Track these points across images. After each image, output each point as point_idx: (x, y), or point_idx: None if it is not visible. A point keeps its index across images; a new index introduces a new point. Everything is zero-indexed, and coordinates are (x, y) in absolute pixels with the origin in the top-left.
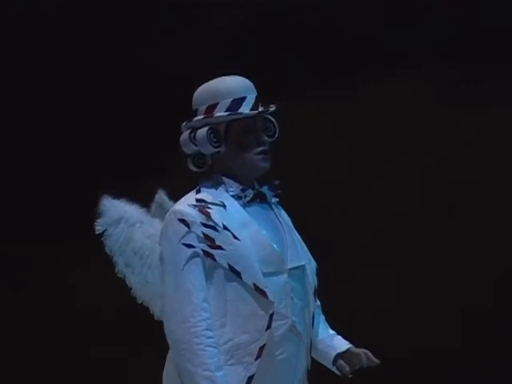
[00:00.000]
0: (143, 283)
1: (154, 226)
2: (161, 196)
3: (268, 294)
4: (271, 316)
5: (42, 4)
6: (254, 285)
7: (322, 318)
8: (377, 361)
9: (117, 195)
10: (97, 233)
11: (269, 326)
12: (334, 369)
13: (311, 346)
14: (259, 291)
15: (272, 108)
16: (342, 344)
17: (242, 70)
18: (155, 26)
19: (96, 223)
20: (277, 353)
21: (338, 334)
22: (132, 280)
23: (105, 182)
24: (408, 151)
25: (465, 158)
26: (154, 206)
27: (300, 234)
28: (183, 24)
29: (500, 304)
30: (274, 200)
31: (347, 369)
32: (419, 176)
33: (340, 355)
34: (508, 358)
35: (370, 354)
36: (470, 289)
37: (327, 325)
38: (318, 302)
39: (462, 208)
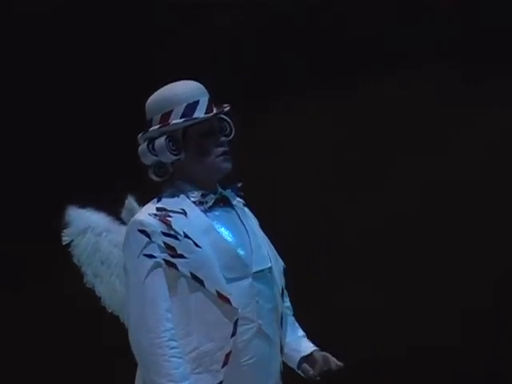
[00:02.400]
0: (112, 292)
1: (121, 233)
2: (130, 202)
3: (232, 300)
4: (236, 322)
5: (41, 4)
6: (217, 292)
7: (292, 319)
8: (340, 363)
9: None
10: (64, 243)
11: (234, 333)
12: (300, 372)
13: (282, 347)
14: (223, 298)
15: (226, 108)
16: (306, 347)
17: (242, 69)
18: (155, 26)
19: (63, 234)
20: (246, 358)
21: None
22: (101, 290)
23: (105, 181)
24: (408, 151)
25: (465, 158)
26: (124, 213)
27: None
28: (183, 24)
29: (500, 304)
30: (237, 202)
31: (311, 372)
32: (419, 176)
33: (304, 358)
34: (508, 357)
35: (331, 358)
36: (470, 289)
37: (297, 326)
38: (288, 304)
39: (462, 208)
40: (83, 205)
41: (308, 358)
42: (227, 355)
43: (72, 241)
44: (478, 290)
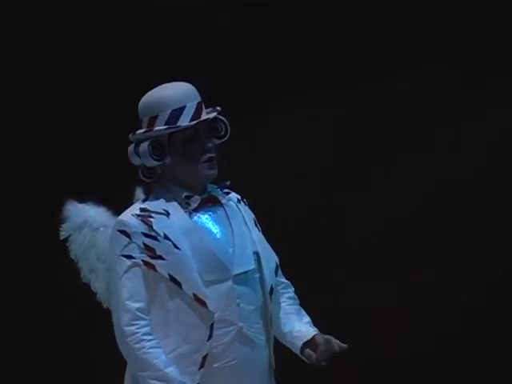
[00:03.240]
0: (107, 287)
1: None
2: (139, 192)
3: (208, 304)
4: (212, 326)
5: (41, 4)
6: (194, 295)
7: (296, 308)
8: (343, 345)
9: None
10: (61, 238)
11: (210, 336)
12: (304, 358)
13: (272, 345)
14: (199, 301)
15: (213, 114)
16: (307, 332)
17: (242, 70)
18: (155, 26)
19: (61, 228)
20: (226, 360)
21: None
22: (97, 285)
23: (105, 179)
24: (408, 151)
25: (465, 158)
26: (134, 202)
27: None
28: (183, 24)
29: (500, 304)
30: (227, 200)
31: (314, 357)
32: (419, 176)
33: (306, 344)
34: (508, 357)
35: (333, 341)
36: (470, 289)
37: (303, 313)
38: (291, 294)
39: (461, 208)
40: (83, 200)
41: (310, 343)
42: (204, 358)
43: (70, 235)
44: (478, 290)
